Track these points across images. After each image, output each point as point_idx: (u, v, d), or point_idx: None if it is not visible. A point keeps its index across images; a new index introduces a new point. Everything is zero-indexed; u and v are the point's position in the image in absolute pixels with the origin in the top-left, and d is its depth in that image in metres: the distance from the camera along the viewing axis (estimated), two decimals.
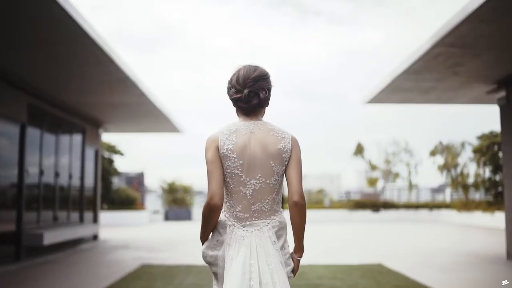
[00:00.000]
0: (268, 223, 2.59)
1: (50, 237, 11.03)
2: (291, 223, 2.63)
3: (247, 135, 2.60)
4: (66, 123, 13.20)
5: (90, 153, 15.45)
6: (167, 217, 28.57)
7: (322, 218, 27.79)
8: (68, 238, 12.28)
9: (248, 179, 2.57)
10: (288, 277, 2.59)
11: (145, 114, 14.54)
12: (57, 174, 12.51)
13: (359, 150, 31.86)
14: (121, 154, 25.67)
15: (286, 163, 2.61)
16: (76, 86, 11.13)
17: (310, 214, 27.33)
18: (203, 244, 2.73)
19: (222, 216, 2.66)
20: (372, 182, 32.80)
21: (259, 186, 2.58)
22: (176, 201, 29.30)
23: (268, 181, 2.58)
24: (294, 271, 2.67)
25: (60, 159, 12.80)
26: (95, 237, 15.44)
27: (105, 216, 23.66)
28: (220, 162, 2.59)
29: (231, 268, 2.48)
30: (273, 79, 2.75)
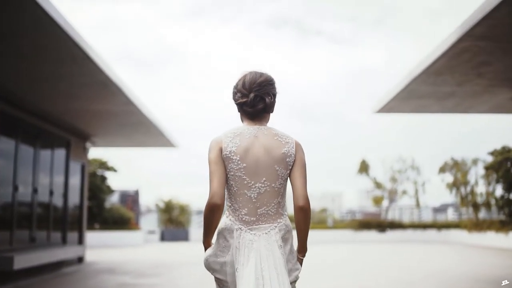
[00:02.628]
0: (275, 227, 2.61)
1: (23, 260, 9.78)
2: (296, 226, 2.66)
3: (251, 139, 2.62)
4: (47, 134, 12.01)
5: (75, 168, 14.25)
6: (163, 238, 27.29)
7: (326, 238, 26.50)
8: (46, 262, 11.02)
9: (252, 182, 2.59)
10: (296, 280, 2.67)
11: (135, 126, 13.36)
12: (35, 191, 11.30)
13: (364, 167, 30.59)
14: (114, 170, 24.45)
15: (290, 167, 2.63)
16: (52, 91, 9.92)
17: (313, 234, 26.08)
18: (205, 249, 2.74)
19: (228, 221, 2.65)
20: (377, 200, 31.45)
21: (264, 189, 2.60)
22: (172, 221, 28.02)
23: (273, 184, 2.61)
24: None
25: (39, 174, 11.60)
26: (80, 260, 14.19)
27: (96, 236, 22.65)
28: (222, 163, 2.61)
29: (244, 274, 2.48)
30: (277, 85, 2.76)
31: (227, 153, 2.58)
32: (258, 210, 2.60)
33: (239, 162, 2.58)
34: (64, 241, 13.18)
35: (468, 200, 26.07)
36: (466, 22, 6.86)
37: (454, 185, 26.57)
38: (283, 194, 2.67)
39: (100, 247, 21.47)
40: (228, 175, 2.61)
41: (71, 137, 13.56)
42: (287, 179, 2.65)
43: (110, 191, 24.57)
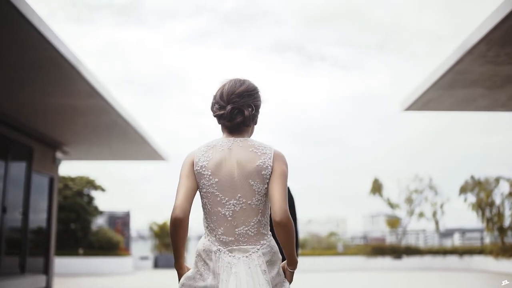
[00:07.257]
0: (258, 249, 2.39)
1: None
2: (279, 241, 2.41)
3: (224, 152, 2.43)
4: None
5: (40, 182, 11.88)
6: (156, 264, 24.83)
7: (334, 266, 24.00)
8: None
9: (226, 199, 2.40)
10: None
11: (110, 129, 11.03)
12: None
13: (376, 188, 28.04)
14: (102, 190, 22.09)
15: (267, 180, 2.41)
16: None
17: (321, 261, 23.84)
18: (178, 274, 2.48)
19: (206, 242, 2.43)
20: (393, 223, 28.85)
21: (239, 207, 2.40)
22: (167, 246, 25.56)
23: (250, 201, 2.41)
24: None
25: None
26: None
27: (80, 262, 20.53)
28: (193, 177, 2.43)
29: None
30: (262, 93, 2.54)
31: (198, 168, 2.41)
32: (236, 230, 2.39)
33: (211, 177, 2.40)
34: (22, 269, 10.78)
35: (494, 222, 23.57)
36: None
37: (479, 207, 24.07)
38: (263, 212, 2.44)
39: (84, 274, 19.20)
40: (201, 193, 2.44)
41: (35, 144, 11.25)
42: (266, 194, 2.42)
43: (97, 212, 22.21)
